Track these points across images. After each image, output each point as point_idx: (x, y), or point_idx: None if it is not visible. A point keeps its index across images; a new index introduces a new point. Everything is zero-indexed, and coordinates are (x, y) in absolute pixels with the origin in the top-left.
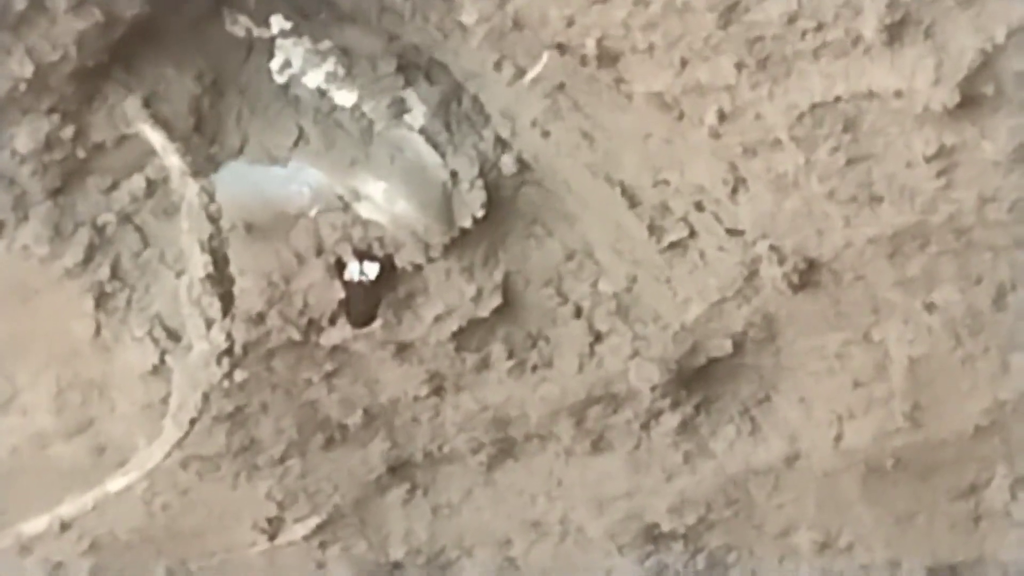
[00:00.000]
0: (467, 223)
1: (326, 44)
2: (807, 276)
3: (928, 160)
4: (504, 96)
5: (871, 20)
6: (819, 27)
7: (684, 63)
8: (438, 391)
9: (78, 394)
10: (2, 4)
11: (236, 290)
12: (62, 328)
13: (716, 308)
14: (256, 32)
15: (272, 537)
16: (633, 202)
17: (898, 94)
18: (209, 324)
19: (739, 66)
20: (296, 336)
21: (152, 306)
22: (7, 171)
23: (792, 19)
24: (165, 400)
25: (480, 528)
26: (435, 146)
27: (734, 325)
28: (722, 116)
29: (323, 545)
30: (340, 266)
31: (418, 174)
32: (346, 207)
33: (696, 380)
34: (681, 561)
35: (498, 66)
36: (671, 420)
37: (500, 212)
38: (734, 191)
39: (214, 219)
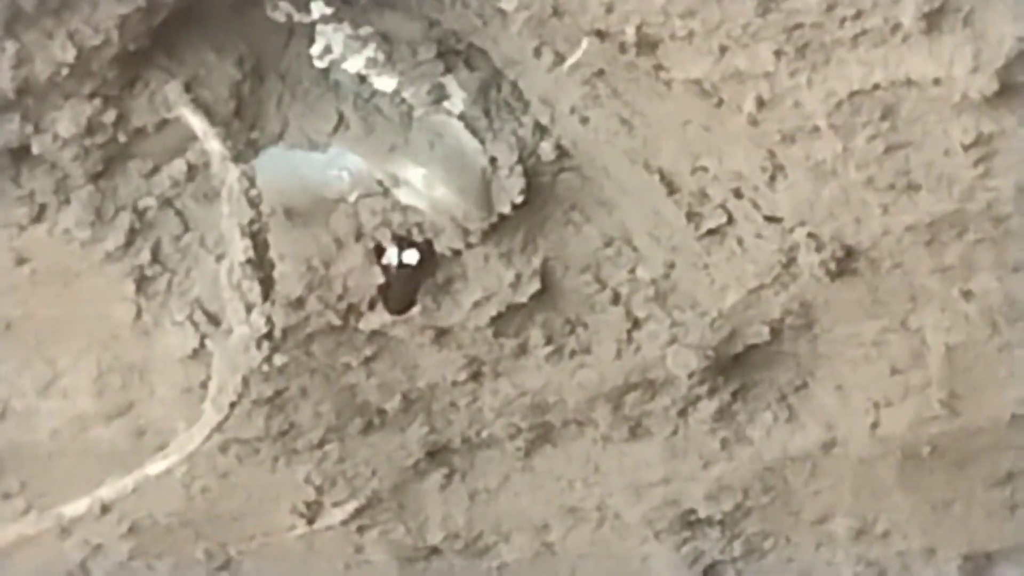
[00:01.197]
0: (506, 209)
1: (366, 30)
2: (845, 264)
3: (966, 148)
4: (543, 82)
5: (909, 8)
6: (858, 15)
7: (723, 50)
8: (476, 376)
9: (118, 377)
10: None
11: (276, 274)
12: (103, 312)
13: (754, 295)
14: (297, 17)
15: (310, 521)
16: (671, 189)
17: (936, 82)
18: (249, 308)
19: (778, 53)
20: (335, 321)
21: (192, 290)
22: (49, 155)
23: (831, 7)
24: (205, 384)
25: (518, 513)
26: (474, 132)
27: (771, 312)
28: (760, 103)
29: (361, 529)
30: (379, 251)
31: (457, 160)
32: (385, 192)
33: (733, 367)
34: (718, 547)
35: (537, 52)
36: (708, 407)
37: (539, 198)
38: (772, 178)
39: (254, 204)
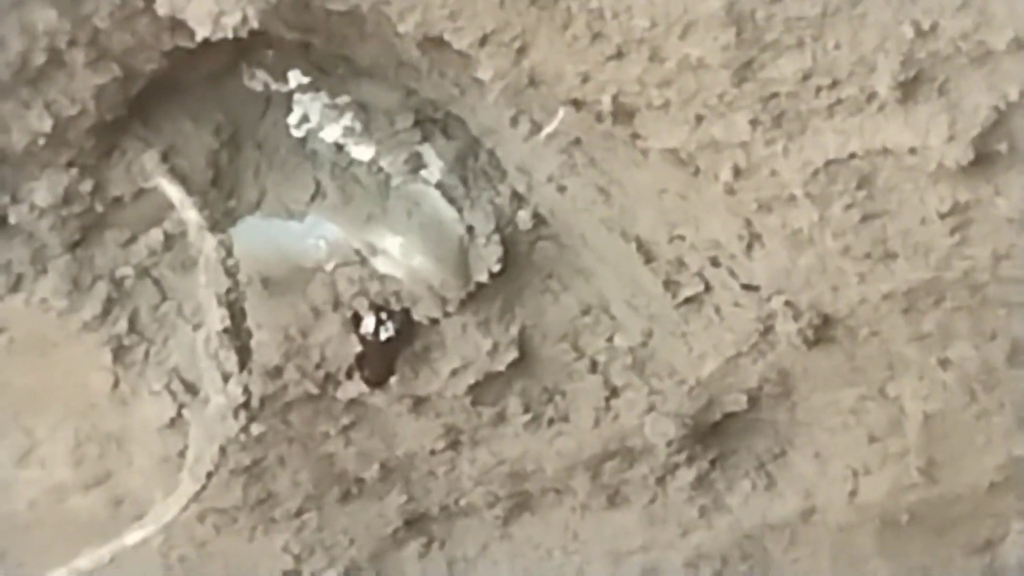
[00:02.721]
0: (483, 277)
1: (344, 99)
2: (822, 332)
3: (942, 217)
4: (520, 151)
5: (885, 77)
6: (833, 84)
7: (699, 119)
8: (455, 445)
9: (96, 447)
10: (21, 58)
11: (253, 344)
12: (80, 381)
13: (731, 363)
14: (274, 87)
15: None
16: (649, 257)
17: (912, 151)
18: (226, 377)
19: (754, 123)
20: (313, 390)
21: (170, 359)
22: (26, 225)
23: (807, 76)
24: (183, 453)
25: None
26: (452, 201)
27: (749, 380)
28: (737, 172)
29: None
30: (357, 320)
31: (435, 229)
32: (363, 261)
33: (712, 435)
34: None
35: (514, 121)
36: (687, 475)
37: (516, 267)
38: (749, 247)
39: (231, 273)
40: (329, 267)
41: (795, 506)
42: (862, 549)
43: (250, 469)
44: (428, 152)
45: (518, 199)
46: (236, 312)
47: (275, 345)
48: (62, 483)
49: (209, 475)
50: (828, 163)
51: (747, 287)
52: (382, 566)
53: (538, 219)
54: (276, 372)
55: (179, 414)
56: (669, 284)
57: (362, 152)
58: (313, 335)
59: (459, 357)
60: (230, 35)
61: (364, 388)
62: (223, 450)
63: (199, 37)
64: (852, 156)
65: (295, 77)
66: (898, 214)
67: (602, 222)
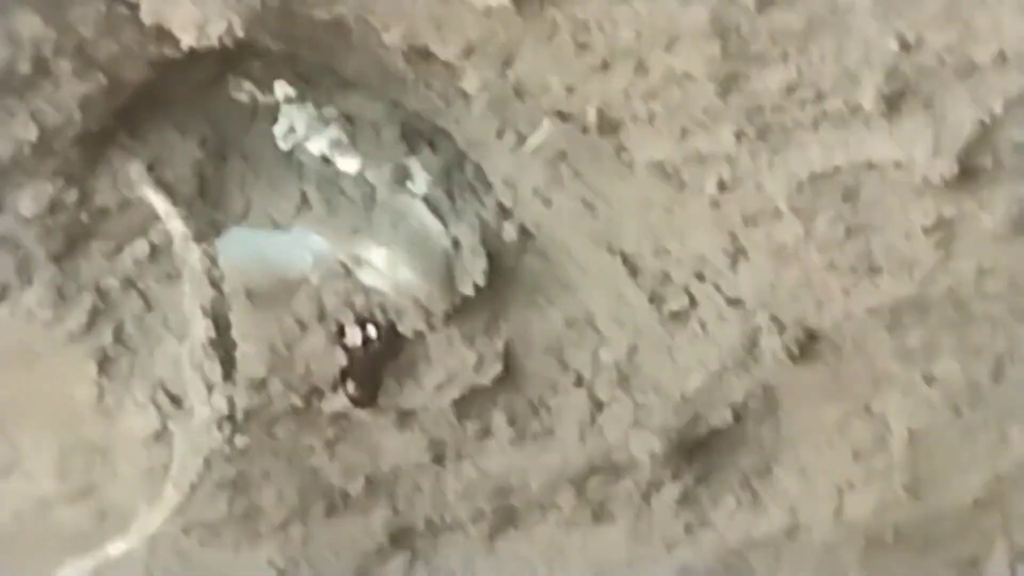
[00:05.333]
0: (468, 291)
1: (330, 111)
2: (807, 347)
3: (927, 231)
4: (506, 164)
5: (870, 91)
6: (818, 97)
7: (684, 132)
8: (439, 459)
9: (80, 458)
10: (7, 67)
11: (238, 355)
12: (65, 392)
13: (716, 378)
14: (260, 98)
15: None
16: (634, 271)
17: (897, 165)
18: (211, 389)
19: (739, 135)
20: (298, 402)
21: (154, 371)
22: (11, 235)
23: (791, 89)
24: (167, 465)
25: None
26: (437, 213)
27: (734, 395)
28: (722, 185)
29: None
30: (342, 332)
31: (420, 241)
32: (348, 273)
33: (697, 450)
34: None
35: (500, 134)
36: (672, 490)
37: (501, 280)
38: (734, 261)
39: (216, 284)
40: (314, 279)
41: (780, 523)
42: (846, 567)
43: (235, 482)
44: (414, 164)
45: (504, 212)
46: (221, 323)
47: (260, 357)
48: (46, 494)
49: (193, 487)
50: (813, 177)
51: (732, 301)
52: None
53: (523, 232)
54: (261, 385)
55: (164, 426)
56: (654, 298)
57: (348, 164)
58: (298, 347)
59: (444, 371)
60: (215, 44)
61: (349, 401)
62: (207, 462)
63: (184, 46)
64: (837, 170)
65: (281, 88)
66: (882, 228)
67: (587, 235)
